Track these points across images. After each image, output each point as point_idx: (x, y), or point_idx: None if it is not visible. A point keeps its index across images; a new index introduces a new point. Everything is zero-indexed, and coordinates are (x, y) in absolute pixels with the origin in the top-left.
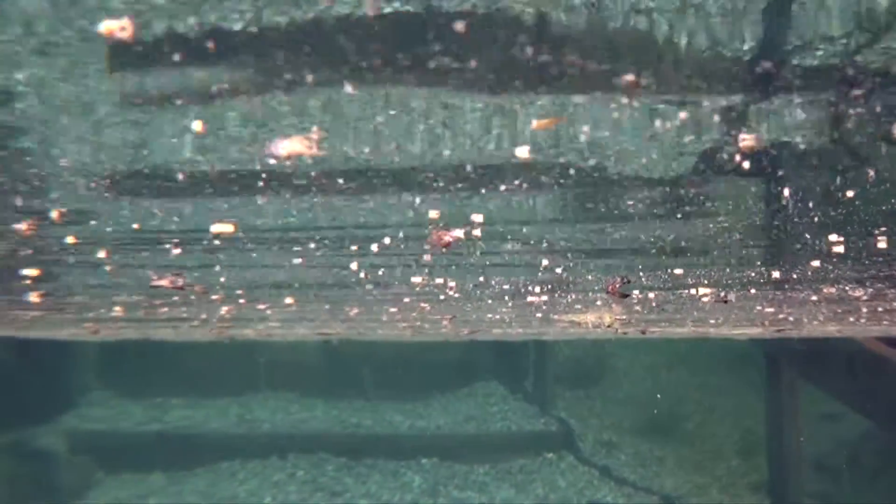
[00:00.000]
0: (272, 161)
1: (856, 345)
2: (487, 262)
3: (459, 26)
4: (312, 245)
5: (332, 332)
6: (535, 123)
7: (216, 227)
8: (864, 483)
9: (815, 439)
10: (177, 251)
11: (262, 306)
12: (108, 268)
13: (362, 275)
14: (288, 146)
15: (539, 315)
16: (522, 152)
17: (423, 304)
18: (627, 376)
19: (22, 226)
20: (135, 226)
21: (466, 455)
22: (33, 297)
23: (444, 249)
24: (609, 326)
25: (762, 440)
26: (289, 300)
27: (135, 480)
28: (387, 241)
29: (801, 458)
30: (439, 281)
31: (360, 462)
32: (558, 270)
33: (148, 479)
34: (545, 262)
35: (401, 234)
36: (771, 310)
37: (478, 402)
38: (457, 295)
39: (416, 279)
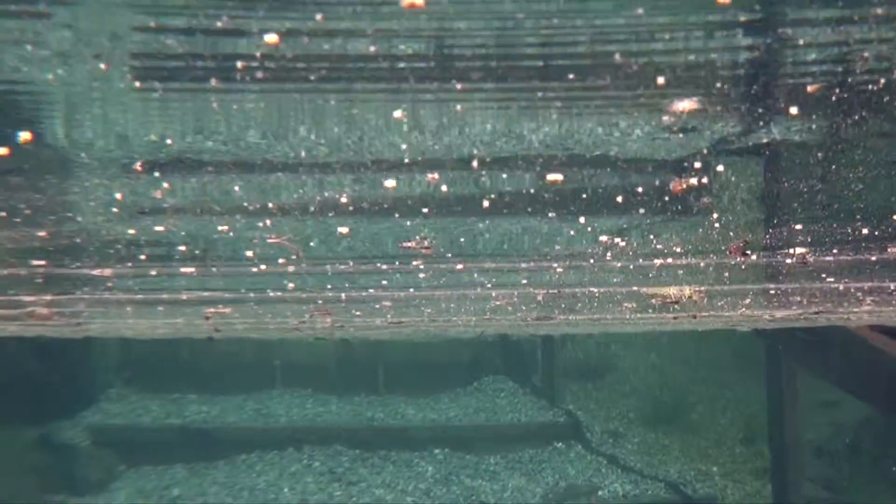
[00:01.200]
0: None
1: (850, 333)
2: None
3: None
4: None
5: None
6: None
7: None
8: (864, 467)
9: (815, 426)
10: None
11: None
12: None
13: None
14: None
15: (637, 286)
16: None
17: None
18: (632, 372)
19: None
20: None
21: (478, 445)
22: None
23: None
24: (688, 299)
25: (765, 428)
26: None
27: (157, 472)
28: None
29: (801, 444)
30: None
31: (375, 453)
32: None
33: (170, 471)
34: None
35: None
36: (831, 279)
37: (487, 397)
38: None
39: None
